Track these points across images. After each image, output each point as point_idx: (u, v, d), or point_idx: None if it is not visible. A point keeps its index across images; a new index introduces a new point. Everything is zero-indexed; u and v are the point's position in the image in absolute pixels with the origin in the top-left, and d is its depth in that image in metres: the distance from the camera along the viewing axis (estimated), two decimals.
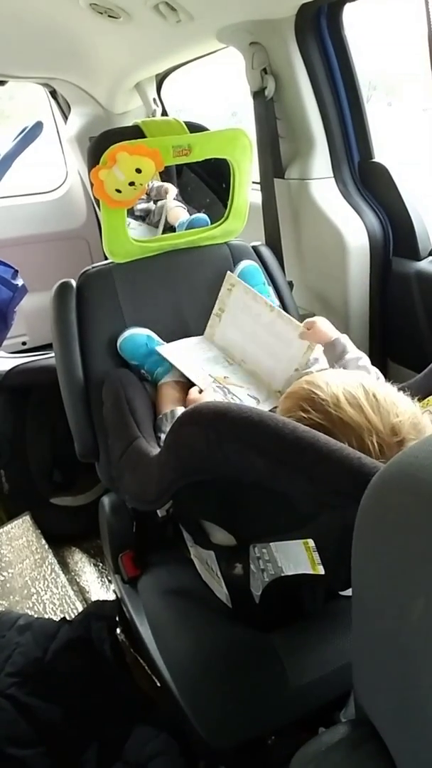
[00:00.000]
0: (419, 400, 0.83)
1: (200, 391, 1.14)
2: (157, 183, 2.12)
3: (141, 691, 1.21)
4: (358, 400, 0.73)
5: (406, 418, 0.72)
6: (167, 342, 1.26)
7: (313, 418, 0.72)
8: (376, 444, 0.69)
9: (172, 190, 2.08)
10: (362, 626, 0.43)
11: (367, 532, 0.43)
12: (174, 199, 2.11)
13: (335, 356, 1.12)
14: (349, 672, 0.49)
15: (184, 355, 1.23)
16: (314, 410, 0.74)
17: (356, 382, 0.76)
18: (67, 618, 1.42)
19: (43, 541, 1.68)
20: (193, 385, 1.18)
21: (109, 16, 1.55)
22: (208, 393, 1.14)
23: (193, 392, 1.14)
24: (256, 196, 1.58)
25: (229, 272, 1.26)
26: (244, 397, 1.19)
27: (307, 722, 0.88)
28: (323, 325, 1.15)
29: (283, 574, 0.80)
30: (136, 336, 1.22)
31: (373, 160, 1.54)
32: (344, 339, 1.14)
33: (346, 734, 0.41)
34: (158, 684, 1.10)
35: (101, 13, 1.55)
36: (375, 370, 1.08)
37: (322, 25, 1.41)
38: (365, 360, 1.10)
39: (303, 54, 1.43)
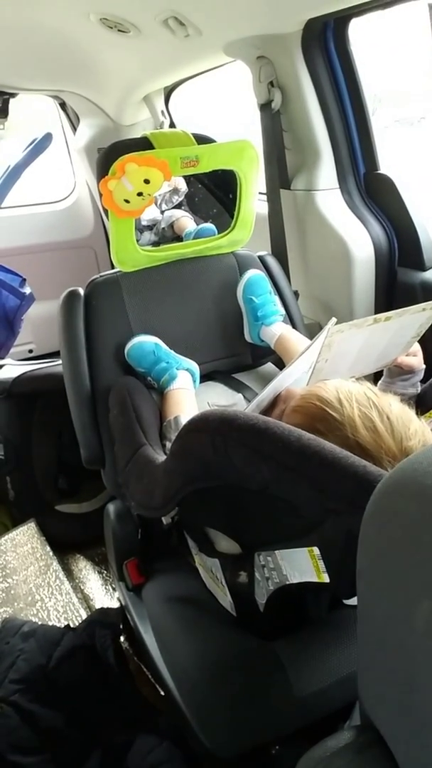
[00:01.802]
0: (423, 411, 0.83)
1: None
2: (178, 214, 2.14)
3: (144, 699, 1.21)
4: (374, 423, 0.72)
5: (417, 441, 0.72)
6: (173, 349, 1.27)
7: (330, 441, 0.71)
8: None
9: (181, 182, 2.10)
10: (367, 631, 0.43)
11: (372, 537, 0.44)
12: (181, 209, 2.13)
13: (406, 385, 1.12)
14: (354, 682, 0.49)
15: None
16: (330, 433, 0.73)
17: (369, 402, 0.75)
18: (71, 625, 1.42)
19: (48, 548, 1.68)
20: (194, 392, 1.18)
21: (119, 30, 1.58)
22: None
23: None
24: (262, 207, 1.59)
25: (331, 328, 0.95)
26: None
27: (311, 732, 0.87)
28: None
29: (287, 582, 0.80)
30: (144, 343, 1.23)
31: (379, 171, 1.56)
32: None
33: (351, 739, 0.42)
34: (161, 692, 1.09)
35: (111, 28, 1.58)
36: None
37: (329, 39, 1.43)
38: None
39: (309, 68, 1.45)
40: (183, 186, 2.15)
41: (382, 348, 1.07)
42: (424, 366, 1.14)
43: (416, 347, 1.14)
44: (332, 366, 1.04)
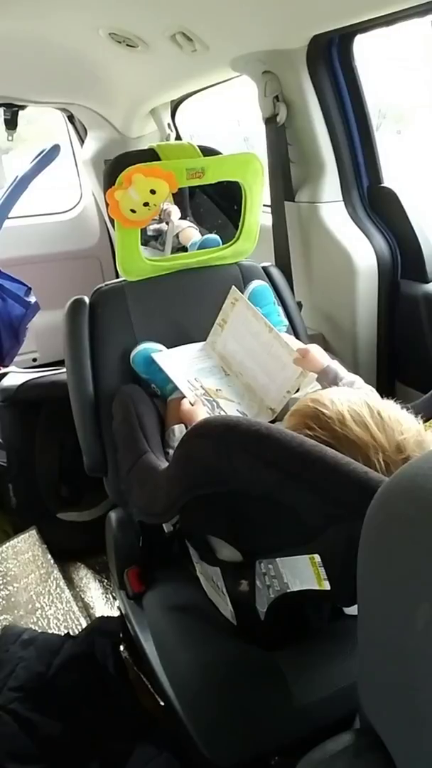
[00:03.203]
0: (425, 420, 0.84)
1: (192, 403, 1.15)
2: (165, 206, 2.16)
3: (143, 708, 1.20)
4: (363, 418, 0.74)
5: (410, 436, 0.73)
6: None
7: (318, 435, 0.73)
8: (382, 462, 0.71)
9: (175, 212, 2.12)
10: (368, 634, 0.43)
11: (372, 542, 0.44)
12: (186, 219, 2.15)
13: (329, 382, 1.12)
14: (355, 692, 0.49)
15: (180, 363, 1.25)
16: (320, 428, 0.75)
17: (361, 400, 0.77)
18: (71, 634, 1.42)
19: (49, 556, 1.68)
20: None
21: (128, 45, 1.61)
22: (199, 405, 1.14)
23: (185, 404, 1.14)
24: (267, 219, 1.61)
25: (234, 287, 1.28)
26: (233, 412, 1.19)
27: (311, 742, 0.87)
28: (316, 352, 1.15)
29: (289, 590, 0.80)
30: (150, 351, 1.24)
31: (382, 184, 1.57)
32: (335, 365, 1.14)
33: (351, 742, 0.42)
34: (161, 702, 1.09)
35: (120, 42, 1.61)
36: (369, 388, 1.09)
37: (333, 55, 1.45)
38: (360, 382, 1.11)
39: (314, 83, 1.48)
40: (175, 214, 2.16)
41: (263, 356, 1.22)
42: (326, 364, 1.14)
43: (304, 348, 1.16)
44: (227, 340, 1.28)
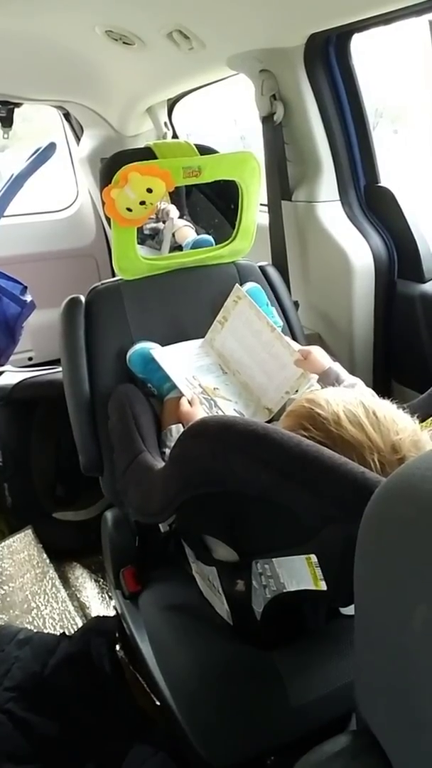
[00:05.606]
0: (421, 420, 0.84)
1: (190, 402, 1.15)
2: (163, 205, 2.15)
3: (140, 708, 1.20)
4: (359, 418, 0.74)
5: (406, 436, 0.73)
6: None
7: (314, 436, 0.73)
8: (377, 462, 0.70)
9: (173, 211, 2.11)
10: (364, 635, 0.43)
11: (369, 542, 0.44)
12: (183, 218, 2.14)
13: (330, 384, 1.12)
14: (351, 692, 0.49)
15: (178, 361, 1.25)
16: (315, 428, 0.75)
17: (356, 401, 0.77)
18: (67, 633, 1.42)
19: (45, 556, 1.68)
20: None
21: (124, 42, 1.60)
22: (197, 406, 1.14)
23: (184, 404, 1.14)
24: (263, 218, 1.61)
25: (237, 285, 1.29)
26: (230, 411, 1.20)
27: (307, 742, 0.87)
28: (318, 354, 1.16)
29: (285, 590, 0.80)
30: (146, 350, 1.24)
31: (379, 184, 1.57)
32: (336, 367, 1.14)
33: (347, 744, 0.42)
34: (157, 702, 1.09)
35: (116, 40, 1.60)
36: (370, 392, 1.09)
37: (331, 54, 1.45)
38: (360, 385, 1.11)
39: (311, 81, 1.47)
40: (173, 213, 2.15)
41: (263, 355, 1.23)
42: (328, 366, 1.14)
43: (306, 349, 1.18)
44: (226, 338, 1.29)
